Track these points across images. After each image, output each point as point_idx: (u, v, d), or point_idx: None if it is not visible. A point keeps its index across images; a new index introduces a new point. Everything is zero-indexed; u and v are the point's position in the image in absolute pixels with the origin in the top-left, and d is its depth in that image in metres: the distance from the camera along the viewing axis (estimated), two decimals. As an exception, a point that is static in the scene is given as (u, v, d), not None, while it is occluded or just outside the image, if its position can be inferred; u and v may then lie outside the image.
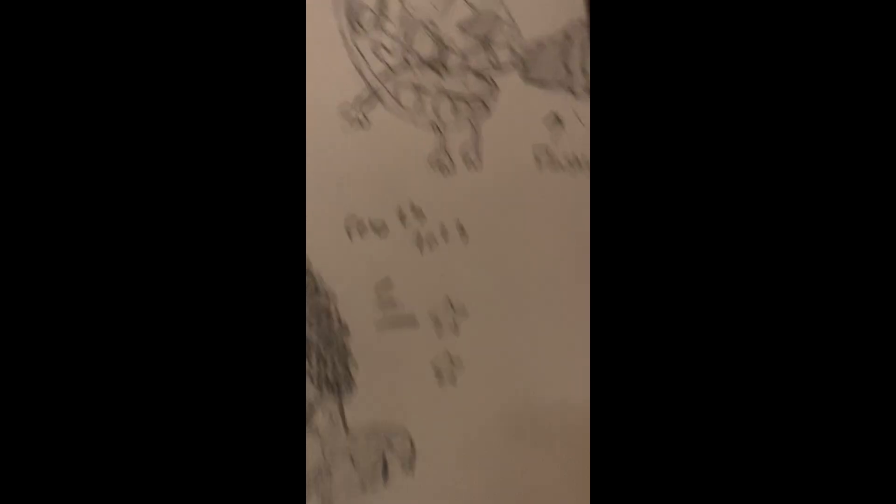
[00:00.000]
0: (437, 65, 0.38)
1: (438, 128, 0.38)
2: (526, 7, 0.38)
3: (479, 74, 0.39)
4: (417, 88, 0.38)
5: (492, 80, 0.39)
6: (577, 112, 0.39)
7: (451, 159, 0.38)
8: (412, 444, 0.36)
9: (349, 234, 0.36)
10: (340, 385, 0.36)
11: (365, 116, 0.37)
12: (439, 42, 0.38)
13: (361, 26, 0.37)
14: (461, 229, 0.37)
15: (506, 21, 0.39)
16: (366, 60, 0.37)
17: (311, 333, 0.36)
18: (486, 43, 0.39)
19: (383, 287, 0.36)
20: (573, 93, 0.39)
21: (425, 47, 0.38)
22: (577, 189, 0.38)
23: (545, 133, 0.38)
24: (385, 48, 0.38)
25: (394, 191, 0.37)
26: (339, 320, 0.36)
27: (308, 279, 0.36)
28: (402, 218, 0.37)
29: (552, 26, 0.39)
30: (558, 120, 0.38)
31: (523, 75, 0.39)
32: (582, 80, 0.39)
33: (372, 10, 0.38)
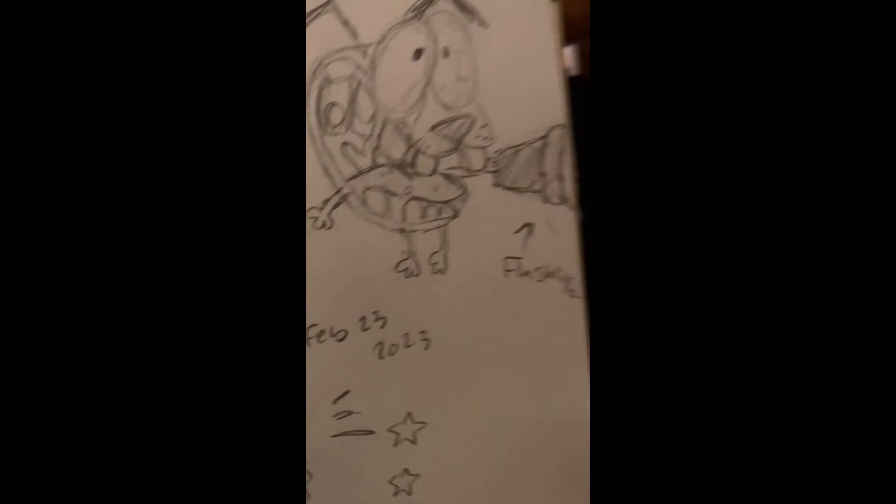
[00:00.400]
0: (407, 167, 0.38)
1: (406, 232, 0.37)
2: (503, 110, 0.38)
3: (450, 178, 0.38)
4: (386, 191, 0.37)
5: (463, 184, 0.38)
6: (550, 220, 0.38)
7: (417, 265, 0.37)
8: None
9: (308, 340, 0.36)
10: (292, 497, 0.35)
11: (331, 219, 0.36)
12: (411, 143, 0.38)
13: (331, 124, 0.37)
14: (424, 337, 0.37)
15: (481, 123, 0.38)
16: (334, 161, 0.37)
17: (265, 442, 0.35)
18: (459, 146, 0.38)
19: (341, 396, 0.36)
20: (547, 200, 0.38)
21: (396, 149, 0.37)
22: (545, 299, 0.37)
23: (515, 241, 0.38)
24: (355, 149, 0.37)
25: (357, 297, 0.36)
26: None
27: (264, 386, 0.35)
28: (364, 324, 0.36)
29: (529, 131, 0.38)
30: (530, 228, 0.38)
31: (496, 180, 0.38)
32: (557, 188, 0.39)
33: (342, 108, 0.37)
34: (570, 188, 0.38)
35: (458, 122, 0.38)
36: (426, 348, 0.36)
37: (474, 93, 0.38)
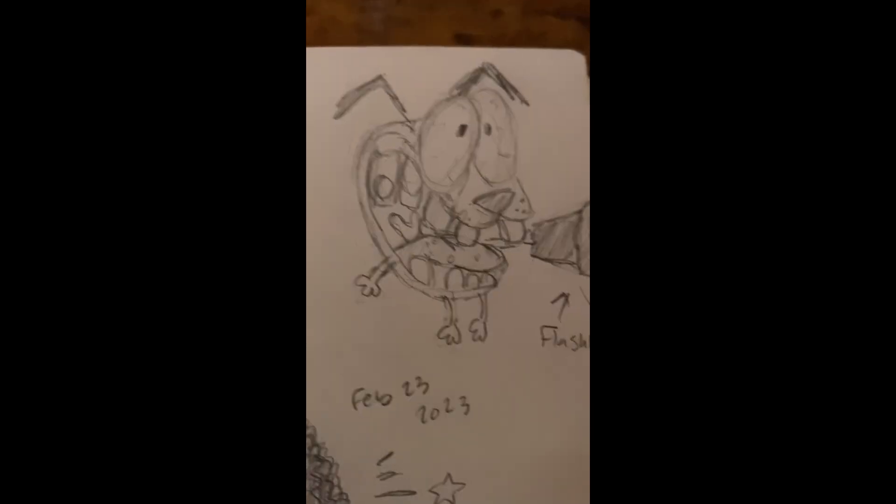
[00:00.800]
0: (450, 238, 0.39)
1: (448, 300, 0.39)
2: (540, 185, 0.40)
3: (490, 249, 0.40)
4: (430, 260, 0.39)
5: (502, 254, 0.40)
6: (584, 290, 0.40)
7: (458, 332, 0.39)
8: None
9: (354, 404, 0.37)
10: (336, 554, 0.36)
11: (378, 286, 0.38)
12: (454, 215, 0.39)
13: (379, 196, 0.39)
14: (464, 402, 0.38)
15: (520, 198, 0.40)
16: (382, 231, 0.38)
17: (312, 500, 0.36)
18: (499, 218, 0.40)
19: (385, 457, 0.37)
20: (582, 272, 0.40)
21: (440, 220, 0.39)
22: (579, 366, 0.39)
23: (552, 310, 0.39)
24: (402, 220, 0.39)
25: (401, 362, 0.38)
26: (340, 489, 0.37)
27: (313, 448, 0.36)
28: (407, 389, 0.38)
29: (565, 206, 0.40)
30: (565, 298, 0.40)
31: (534, 252, 0.40)
32: (590, 259, 0.41)
33: (392, 182, 0.39)
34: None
35: (499, 196, 0.40)
36: (466, 413, 0.38)
37: (514, 169, 0.40)
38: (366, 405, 0.37)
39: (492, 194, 0.40)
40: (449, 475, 0.37)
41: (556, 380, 0.39)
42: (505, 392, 0.38)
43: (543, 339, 0.39)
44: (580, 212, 0.41)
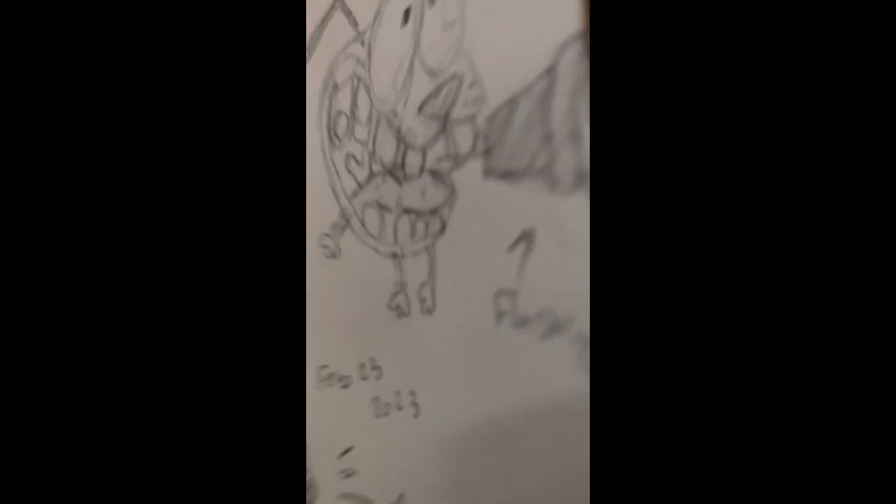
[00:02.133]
0: (397, 171, 0.26)
1: (398, 257, 0.26)
2: (495, 46, 0.21)
3: (437, 176, 0.24)
4: (380, 206, 0.27)
5: (450, 181, 0.24)
6: (559, 222, 0.19)
7: (407, 301, 0.26)
8: None
9: (319, 382, 0.30)
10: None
11: (339, 247, 0.30)
12: (399, 138, 0.26)
13: (337, 137, 0.30)
14: (413, 400, 0.25)
15: (469, 82, 0.23)
16: (340, 178, 0.30)
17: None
18: (445, 124, 0.24)
19: (345, 452, 0.28)
20: (555, 185, 0.19)
21: (388, 149, 0.27)
22: (548, 361, 0.19)
23: (510, 262, 0.21)
24: (355, 159, 0.29)
25: (358, 338, 0.28)
26: (312, 473, 0.31)
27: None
28: (362, 372, 0.28)
29: (527, 69, 0.20)
30: (529, 240, 0.20)
31: (487, 166, 0.22)
32: (570, 160, 0.19)
33: (346, 115, 0.29)
34: (587, 151, 0.18)
35: (445, 91, 0.24)
36: (415, 415, 0.25)
37: (461, 40, 0.23)
38: (329, 385, 0.29)
39: (437, 92, 0.24)
40: (402, 496, 0.25)
41: (517, 377, 0.20)
42: (456, 389, 0.23)
43: (497, 314, 0.21)
44: (551, 71, 0.20)
